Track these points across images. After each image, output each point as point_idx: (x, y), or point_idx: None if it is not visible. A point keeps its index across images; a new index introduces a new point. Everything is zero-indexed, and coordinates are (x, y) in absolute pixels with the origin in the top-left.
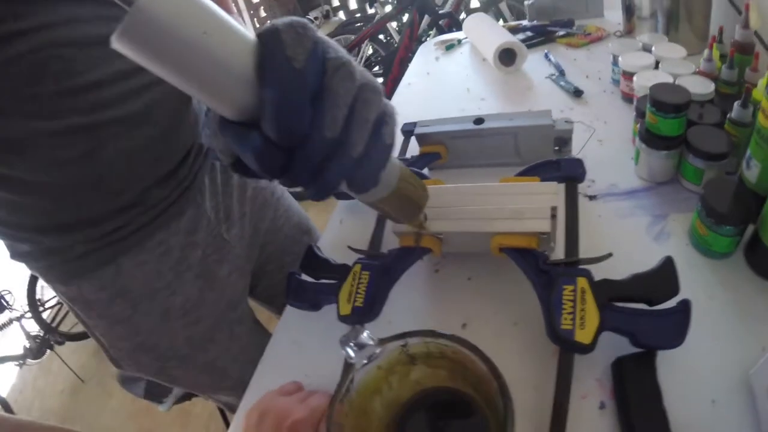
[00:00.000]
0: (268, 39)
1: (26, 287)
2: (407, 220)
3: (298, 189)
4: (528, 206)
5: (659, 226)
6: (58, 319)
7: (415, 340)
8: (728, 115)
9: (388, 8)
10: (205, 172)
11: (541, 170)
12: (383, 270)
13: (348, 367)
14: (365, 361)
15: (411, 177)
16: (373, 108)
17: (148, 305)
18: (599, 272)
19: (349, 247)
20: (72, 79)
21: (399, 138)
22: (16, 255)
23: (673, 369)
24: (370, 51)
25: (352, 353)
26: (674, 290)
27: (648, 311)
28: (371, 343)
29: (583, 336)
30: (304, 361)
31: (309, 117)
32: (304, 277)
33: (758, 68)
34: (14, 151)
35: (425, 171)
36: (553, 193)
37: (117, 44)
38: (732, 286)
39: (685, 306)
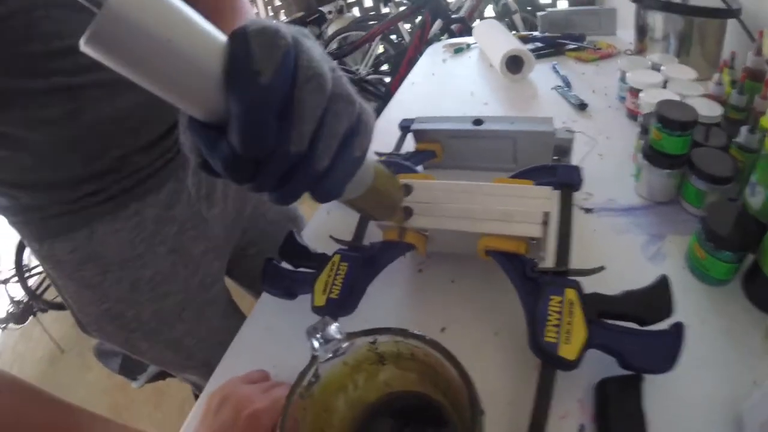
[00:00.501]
0: (236, 47)
1: (14, 252)
2: (383, 218)
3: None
4: (519, 209)
5: (656, 246)
6: (43, 286)
7: (385, 338)
8: (734, 140)
9: (403, 9)
10: None
11: (537, 174)
12: (363, 263)
13: (312, 359)
14: (330, 355)
15: (386, 176)
16: (343, 120)
17: (117, 273)
18: (589, 286)
19: (331, 237)
20: (60, 40)
21: (395, 134)
22: None
23: (660, 395)
24: (381, 49)
25: (317, 345)
26: (668, 311)
27: (639, 331)
28: (339, 336)
29: (568, 351)
30: (274, 350)
31: (274, 132)
32: (284, 264)
33: None
34: None
35: (419, 168)
36: (546, 198)
37: (85, 48)
38: (726, 315)
39: (678, 329)
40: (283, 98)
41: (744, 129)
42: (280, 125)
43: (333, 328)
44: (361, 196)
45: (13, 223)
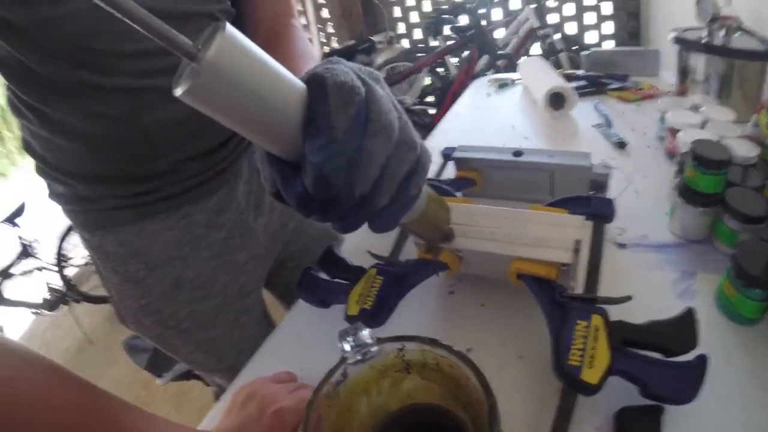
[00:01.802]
0: (315, 100)
1: (57, 241)
2: (433, 239)
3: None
4: (552, 236)
5: (686, 283)
6: (80, 278)
7: (413, 346)
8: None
9: (450, 42)
10: (245, 159)
11: (571, 204)
12: (397, 278)
13: (341, 360)
14: (359, 357)
15: (436, 201)
16: (405, 165)
17: (161, 271)
18: (616, 316)
19: (369, 252)
20: (124, 43)
21: (437, 161)
22: (52, 195)
23: (679, 429)
24: (428, 81)
25: (347, 347)
26: (692, 343)
27: (662, 361)
28: (369, 341)
29: (591, 375)
30: (304, 354)
31: (344, 179)
32: (321, 274)
33: None
34: (62, 96)
35: (458, 195)
36: (579, 226)
37: (182, 97)
38: (753, 354)
39: (701, 361)
40: (354, 149)
41: None
42: (349, 171)
43: (365, 333)
44: (413, 221)
45: (66, 211)
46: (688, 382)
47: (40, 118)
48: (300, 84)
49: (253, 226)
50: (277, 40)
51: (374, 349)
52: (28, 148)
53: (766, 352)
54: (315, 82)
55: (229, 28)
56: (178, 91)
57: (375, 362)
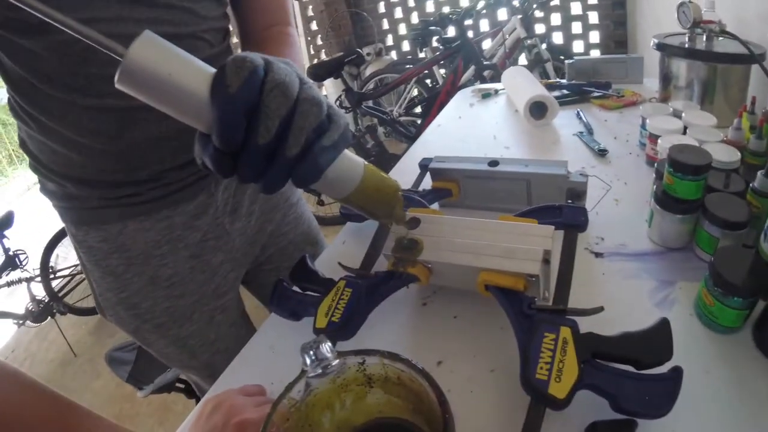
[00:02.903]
0: (217, 72)
1: (42, 252)
2: (384, 217)
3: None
4: (520, 246)
5: (664, 292)
6: (66, 289)
7: (374, 360)
8: (751, 185)
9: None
10: None
11: (542, 214)
12: (367, 290)
13: (301, 373)
14: (319, 371)
15: (377, 176)
16: (310, 117)
17: (139, 267)
18: (590, 328)
19: (339, 264)
20: (114, 67)
21: (414, 172)
22: (44, 190)
23: None
24: (416, 92)
25: (308, 361)
26: (667, 355)
27: (634, 374)
28: (329, 355)
29: (558, 390)
30: (275, 367)
31: (243, 129)
32: (294, 287)
33: None
34: (57, 114)
35: (435, 206)
36: (548, 236)
37: (117, 85)
38: (733, 364)
39: (676, 373)
40: (249, 102)
41: (760, 174)
42: (249, 124)
43: (326, 347)
44: (354, 192)
45: (57, 207)
46: (661, 395)
47: (37, 124)
48: (211, 69)
49: (228, 230)
50: (266, 44)
51: (335, 363)
52: (23, 145)
53: (748, 360)
54: (220, 65)
55: (149, 33)
56: (115, 81)
57: (336, 376)
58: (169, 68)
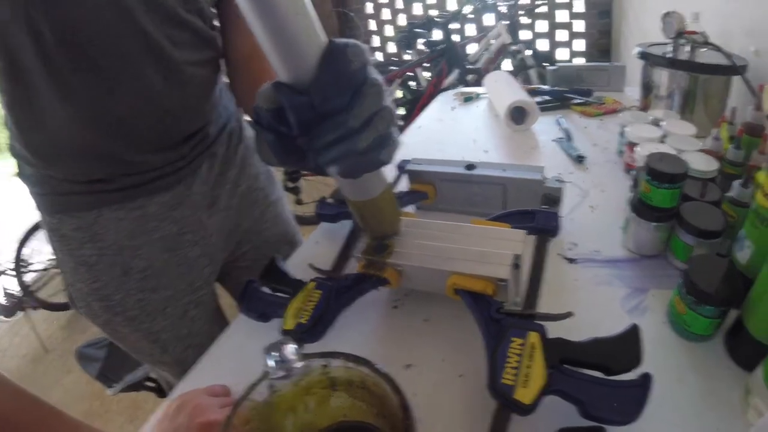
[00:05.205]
0: (337, 43)
1: (16, 245)
2: (374, 232)
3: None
4: (491, 250)
5: (637, 299)
6: (39, 284)
7: (337, 363)
8: (726, 194)
9: (422, 56)
10: (204, 160)
11: (515, 218)
12: (337, 292)
13: (263, 374)
14: (282, 373)
15: (391, 198)
16: (385, 125)
17: (112, 258)
18: (559, 333)
19: (310, 265)
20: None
21: (392, 172)
22: (22, 175)
23: None
24: (399, 94)
25: (271, 363)
26: (636, 361)
27: (602, 380)
28: (293, 357)
29: (524, 395)
30: (242, 368)
31: (345, 103)
32: (264, 288)
33: (766, 151)
34: (43, 74)
35: (410, 209)
36: (519, 241)
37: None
38: (705, 372)
39: (645, 380)
40: (357, 85)
41: (736, 183)
42: (350, 100)
43: (289, 349)
44: (365, 201)
45: (32, 193)
46: (630, 401)
47: (20, 88)
48: (324, 35)
49: (206, 224)
50: (260, 55)
51: (299, 365)
52: (5, 122)
53: (720, 369)
54: (335, 39)
55: None
56: None
57: (299, 379)
58: (298, 7)
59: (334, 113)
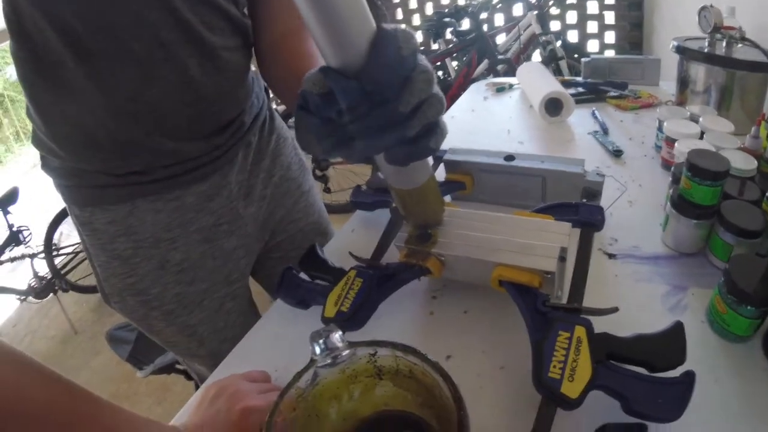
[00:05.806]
0: (388, 29)
1: (46, 228)
2: (416, 220)
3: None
4: (536, 242)
5: (677, 297)
6: (69, 267)
7: (385, 351)
8: (767, 194)
9: (450, 46)
10: (240, 148)
11: (558, 211)
12: (378, 281)
13: (310, 362)
14: (329, 361)
15: (435, 188)
16: (434, 112)
17: (149, 251)
18: (601, 328)
19: (350, 254)
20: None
21: (430, 161)
22: (46, 167)
23: None
24: None
25: (318, 350)
26: (679, 359)
27: (647, 377)
28: (340, 345)
29: (571, 389)
30: (280, 355)
31: (397, 88)
32: (302, 275)
33: None
34: (72, 66)
35: (446, 199)
36: (565, 234)
37: None
38: (743, 373)
39: (688, 378)
40: (407, 71)
41: None
42: (401, 85)
43: (336, 336)
44: (411, 190)
45: (58, 186)
46: (673, 399)
47: (49, 80)
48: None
49: (242, 214)
50: (291, 38)
51: (345, 353)
52: (29, 113)
53: (758, 371)
54: (386, 25)
55: None
56: None
57: (346, 367)
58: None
59: (384, 99)
